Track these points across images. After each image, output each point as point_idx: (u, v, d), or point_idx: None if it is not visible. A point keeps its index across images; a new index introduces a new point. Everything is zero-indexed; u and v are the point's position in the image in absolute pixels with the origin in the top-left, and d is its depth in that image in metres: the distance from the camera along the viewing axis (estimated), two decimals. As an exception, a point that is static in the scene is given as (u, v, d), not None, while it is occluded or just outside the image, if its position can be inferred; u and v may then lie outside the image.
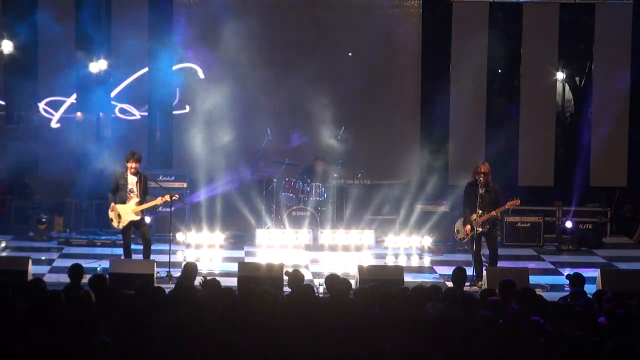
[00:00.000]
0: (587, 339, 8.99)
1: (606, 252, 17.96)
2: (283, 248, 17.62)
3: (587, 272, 12.74)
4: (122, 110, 19.24)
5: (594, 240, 18.52)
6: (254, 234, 17.92)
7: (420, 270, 16.20)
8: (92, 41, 18.94)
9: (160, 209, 17.30)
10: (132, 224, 15.08)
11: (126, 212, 15.02)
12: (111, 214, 15.06)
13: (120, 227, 15.09)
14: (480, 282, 14.56)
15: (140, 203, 15.01)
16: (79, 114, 19.35)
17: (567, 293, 12.15)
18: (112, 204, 14.99)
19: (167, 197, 15.05)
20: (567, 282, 12.24)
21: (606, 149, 19.23)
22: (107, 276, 12.61)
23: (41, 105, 19.02)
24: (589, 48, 19.68)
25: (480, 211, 14.84)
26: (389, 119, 19.45)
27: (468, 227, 14.97)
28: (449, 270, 14.07)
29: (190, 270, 12.08)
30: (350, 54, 19.21)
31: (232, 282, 13.61)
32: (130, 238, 15.29)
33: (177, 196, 15.50)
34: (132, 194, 15.01)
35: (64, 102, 19.02)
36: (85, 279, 11.81)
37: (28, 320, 9.02)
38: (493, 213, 14.90)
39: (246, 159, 18.88)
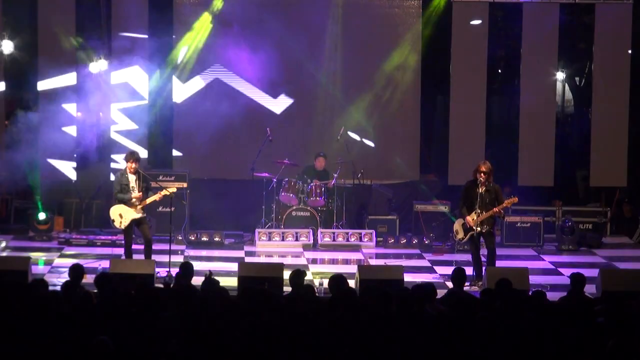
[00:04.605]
0: (587, 339, 8.98)
1: (606, 252, 17.94)
2: (283, 248, 17.63)
3: (587, 272, 12.72)
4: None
5: (594, 240, 18.52)
6: (254, 234, 17.93)
7: (420, 270, 16.19)
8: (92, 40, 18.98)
9: (160, 208, 17.30)
10: (134, 222, 15.09)
11: (128, 210, 15.03)
12: (113, 214, 15.07)
13: (123, 227, 15.09)
14: (480, 282, 14.57)
15: (141, 200, 15.05)
16: (78, 113, 19.33)
17: (567, 293, 12.13)
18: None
19: (166, 191, 15.06)
20: (568, 282, 12.22)
21: (606, 149, 19.22)
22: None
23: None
24: (589, 48, 19.66)
25: (479, 210, 14.83)
26: (388, 118, 19.44)
27: (469, 218, 14.90)
28: (449, 270, 14.06)
29: (187, 269, 12.09)
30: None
31: (232, 282, 13.63)
32: (132, 238, 15.29)
33: (176, 189, 15.56)
34: (133, 192, 15.02)
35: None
36: (86, 278, 11.82)
37: (28, 320, 9.01)
38: (495, 210, 14.85)
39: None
